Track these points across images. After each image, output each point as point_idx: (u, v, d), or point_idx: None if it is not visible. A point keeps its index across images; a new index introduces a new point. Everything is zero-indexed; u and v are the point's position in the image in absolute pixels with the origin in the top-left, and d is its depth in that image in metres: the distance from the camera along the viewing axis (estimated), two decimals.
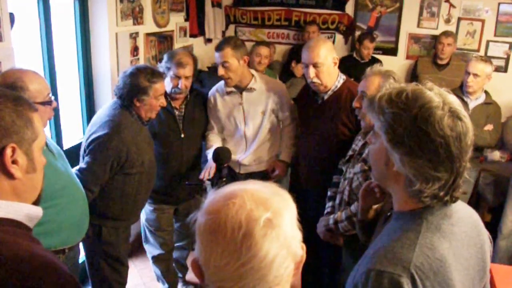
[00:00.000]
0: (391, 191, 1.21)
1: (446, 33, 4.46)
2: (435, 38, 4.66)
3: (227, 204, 0.85)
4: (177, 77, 2.72)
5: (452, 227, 1.12)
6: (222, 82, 2.92)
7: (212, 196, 0.90)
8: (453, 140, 1.05)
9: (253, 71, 2.97)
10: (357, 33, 5.10)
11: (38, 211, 1.15)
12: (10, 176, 1.07)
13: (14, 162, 1.07)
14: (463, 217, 1.17)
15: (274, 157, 3.05)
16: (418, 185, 1.09)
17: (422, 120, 1.05)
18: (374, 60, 4.75)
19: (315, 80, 2.55)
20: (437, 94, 1.09)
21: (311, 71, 2.53)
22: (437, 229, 1.10)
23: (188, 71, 2.75)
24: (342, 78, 2.65)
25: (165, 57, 2.83)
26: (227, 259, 0.82)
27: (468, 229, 1.17)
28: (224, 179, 2.19)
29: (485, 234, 1.23)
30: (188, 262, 3.32)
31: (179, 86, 2.74)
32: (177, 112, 2.85)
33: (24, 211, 1.09)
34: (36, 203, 1.16)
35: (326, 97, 2.63)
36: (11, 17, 2.43)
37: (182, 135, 2.86)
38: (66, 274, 1.02)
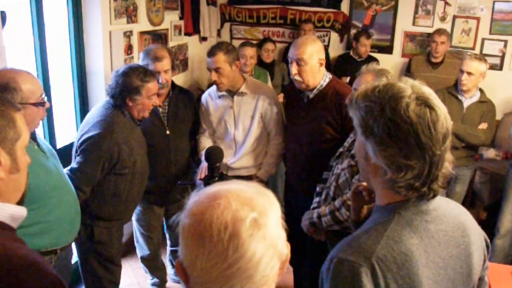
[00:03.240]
0: (373, 186, 1.21)
1: (439, 31, 4.46)
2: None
3: (212, 205, 0.84)
4: (157, 72, 2.70)
5: (426, 224, 1.12)
6: (214, 87, 2.91)
7: (196, 198, 0.89)
8: (422, 127, 1.05)
9: (245, 75, 2.98)
10: (353, 31, 5.10)
11: (22, 211, 1.13)
12: None
13: None
14: (445, 216, 1.16)
15: (261, 164, 3.00)
16: (390, 174, 1.09)
17: (390, 109, 1.06)
18: (371, 59, 4.75)
19: (297, 77, 2.54)
20: (408, 86, 1.10)
21: (294, 68, 2.53)
22: (408, 224, 1.10)
23: (165, 64, 2.75)
24: (328, 77, 2.63)
25: (141, 55, 2.82)
26: (214, 261, 0.82)
27: (450, 229, 1.15)
28: (216, 178, 2.18)
29: (474, 236, 1.20)
30: None
31: (160, 81, 2.71)
32: (160, 109, 2.82)
33: (8, 212, 1.08)
34: (20, 203, 1.15)
35: (311, 96, 2.62)
36: (3, 15, 2.41)
37: (168, 132, 2.84)
38: (50, 274, 1.01)
